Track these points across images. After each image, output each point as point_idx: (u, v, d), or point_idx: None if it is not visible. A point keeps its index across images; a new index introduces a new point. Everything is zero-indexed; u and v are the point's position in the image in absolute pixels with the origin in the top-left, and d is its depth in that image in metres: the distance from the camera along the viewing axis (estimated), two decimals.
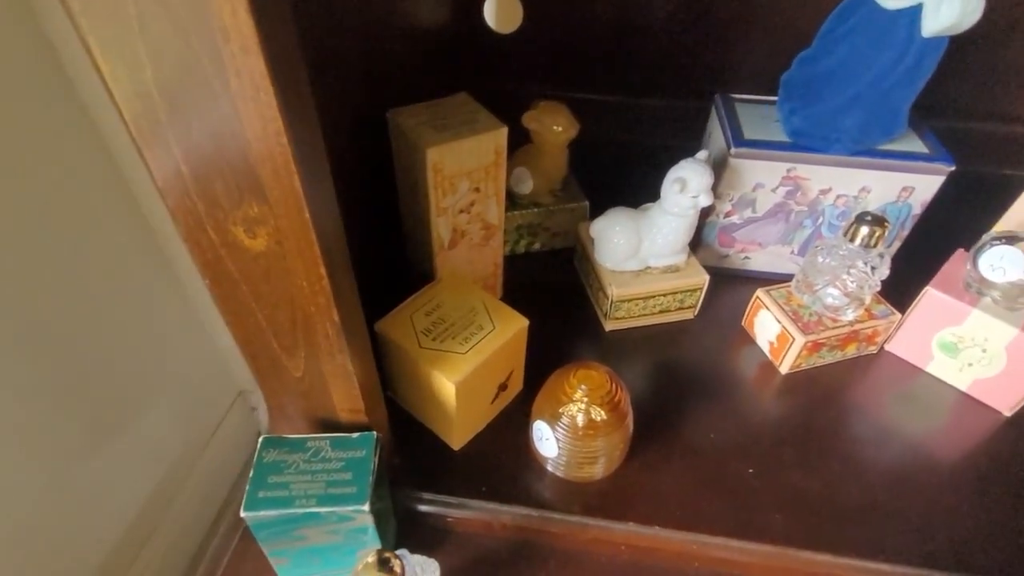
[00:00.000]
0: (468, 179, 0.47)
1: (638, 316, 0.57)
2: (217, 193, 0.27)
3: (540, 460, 0.46)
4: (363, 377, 0.36)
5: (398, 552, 0.32)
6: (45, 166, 0.39)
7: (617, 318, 0.56)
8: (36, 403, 0.39)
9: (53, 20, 0.37)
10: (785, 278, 0.57)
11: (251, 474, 0.35)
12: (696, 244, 0.59)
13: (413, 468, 0.46)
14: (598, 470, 0.45)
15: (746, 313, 0.58)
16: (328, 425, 0.39)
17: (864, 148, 0.53)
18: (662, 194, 0.53)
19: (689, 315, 0.59)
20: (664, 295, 0.56)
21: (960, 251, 0.55)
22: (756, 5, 0.65)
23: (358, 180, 0.50)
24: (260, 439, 0.37)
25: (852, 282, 0.50)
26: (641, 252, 0.55)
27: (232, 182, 0.26)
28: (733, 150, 0.54)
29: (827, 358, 0.54)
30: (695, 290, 0.57)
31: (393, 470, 0.44)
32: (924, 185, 0.54)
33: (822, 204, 0.56)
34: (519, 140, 0.57)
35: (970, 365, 0.51)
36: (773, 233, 0.59)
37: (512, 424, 0.49)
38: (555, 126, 0.57)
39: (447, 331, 0.45)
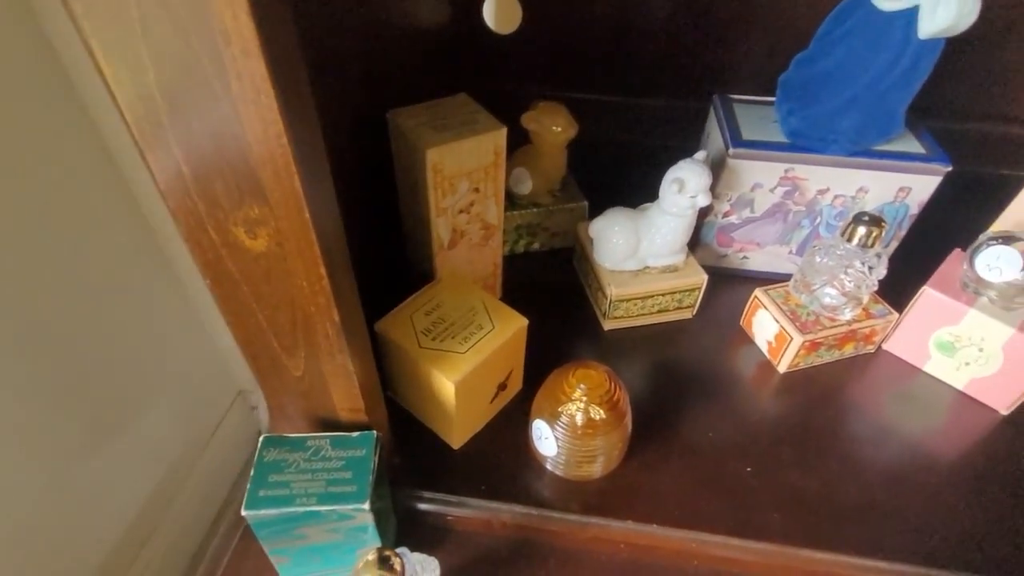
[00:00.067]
0: (468, 179, 0.48)
1: (637, 316, 0.57)
2: (218, 194, 0.27)
3: (539, 459, 0.47)
4: (363, 377, 0.37)
5: (398, 550, 0.32)
6: (45, 166, 0.39)
7: (616, 318, 0.57)
8: (36, 403, 0.39)
9: (53, 21, 0.37)
10: (783, 278, 0.57)
11: (252, 473, 0.36)
12: (694, 244, 0.59)
13: (413, 467, 0.46)
14: (597, 469, 0.45)
15: (744, 313, 0.58)
16: (328, 424, 0.39)
17: (861, 149, 0.53)
18: (660, 194, 0.53)
19: (687, 315, 0.59)
20: (663, 295, 0.56)
21: (957, 251, 0.55)
22: (755, 6, 0.66)
23: (358, 180, 0.50)
24: (261, 438, 0.37)
25: (850, 282, 0.50)
26: (640, 252, 0.55)
27: (233, 183, 0.26)
28: (731, 150, 0.54)
29: (825, 357, 0.55)
30: (693, 290, 0.57)
31: (393, 469, 0.44)
32: (921, 185, 0.54)
33: (820, 204, 0.57)
34: (518, 140, 0.58)
35: (967, 364, 0.52)
36: (771, 233, 0.60)
37: (511, 423, 0.49)
38: (554, 126, 0.58)
39: (447, 331, 0.45)
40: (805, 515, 0.44)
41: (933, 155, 0.53)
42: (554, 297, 0.60)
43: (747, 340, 0.57)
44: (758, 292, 0.56)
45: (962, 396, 0.53)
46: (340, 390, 0.37)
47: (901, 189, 0.54)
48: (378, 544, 0.37)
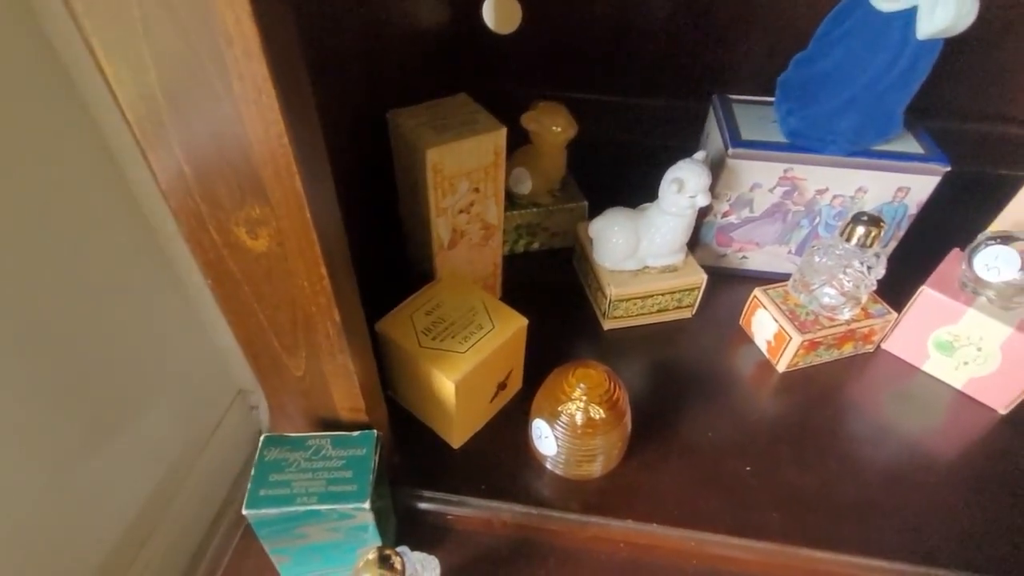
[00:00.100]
0: (468, 179, 0.48)
1: (636, 315, 0.57)
2: (219, 194, 0.27)
3: (539, 458, 0.47)
4: (363, 376, 0.37)
5: (399, 549, 0.33)
6: (45, 166, 0.39)
7: (615, 317, 0.57)
8: (36, 403, 0.39)
9: (53, 21, 0.37)
10: (782, 277, 0.57)
11: (253, 472, 0.36)
12: (694, 244, 0.59)
13: (413, 466, 0.46)
14: (597, 468, 0.45)
15: (743, 312, 0.58)
16: (329, 424, 0.39)
17: (860, 149, 0.53)
18: (660, 194, 0.53)
19: (687, 314, 0.59)
20: (662, 294, 0.56)
21: (955, 251, 0.55)
22: (754, 7, 0.66)
23: (358, 180, 0.50)
24: (262, 437, 0.37)
25: (848, 281, 0.50)
26: (639, 252, 0.55)
27: (234, 183, 0.27)
28: (731, 150, 0.54)
29: (824, 357, 0.55)
30: (693, 289, 0.57)
31: (393, 468, 0.44)
32: (920, 185, 0.54)
33: (819, 204, 0.57)
34: (518, 140, 0.58)
35: (965, 364, 0.52)
36: (770, 233, 0.60)
37: (511, 423, 0.49)
38: (554, 127, 0.58)
39: (447, 330, 0.45)
40: (804, 514, 0.44)
41: (931, 155, 0.53)
42: (554, 297, 0.60)
43: (746, 340, 0.58)
44: (757, 292, 0.56)
45: (960, 395, 0.53)
46: (341, 389, 0.37)
47: (900, 189, 0.55)
48: (378, 543, 0.37)
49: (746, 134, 0.55)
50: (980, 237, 0.50)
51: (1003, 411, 0.51)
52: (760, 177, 0.55)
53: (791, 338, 0.52)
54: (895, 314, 0.54)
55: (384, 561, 0.31)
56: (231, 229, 0.28)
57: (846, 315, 0.53)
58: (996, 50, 0.65)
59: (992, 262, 0.49)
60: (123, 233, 0.46)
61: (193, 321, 0.53)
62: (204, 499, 0.55)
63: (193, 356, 0.54)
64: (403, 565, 0.31)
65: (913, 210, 0.56)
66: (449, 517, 0.45)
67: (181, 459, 0.53)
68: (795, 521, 0.44)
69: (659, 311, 0.58)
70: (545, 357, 0.48)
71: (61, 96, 0.39)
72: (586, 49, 0.72)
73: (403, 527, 0.44)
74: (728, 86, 0.64)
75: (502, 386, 0.49)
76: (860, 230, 0.49)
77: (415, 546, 0.37)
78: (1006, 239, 0.48)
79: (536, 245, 0.66)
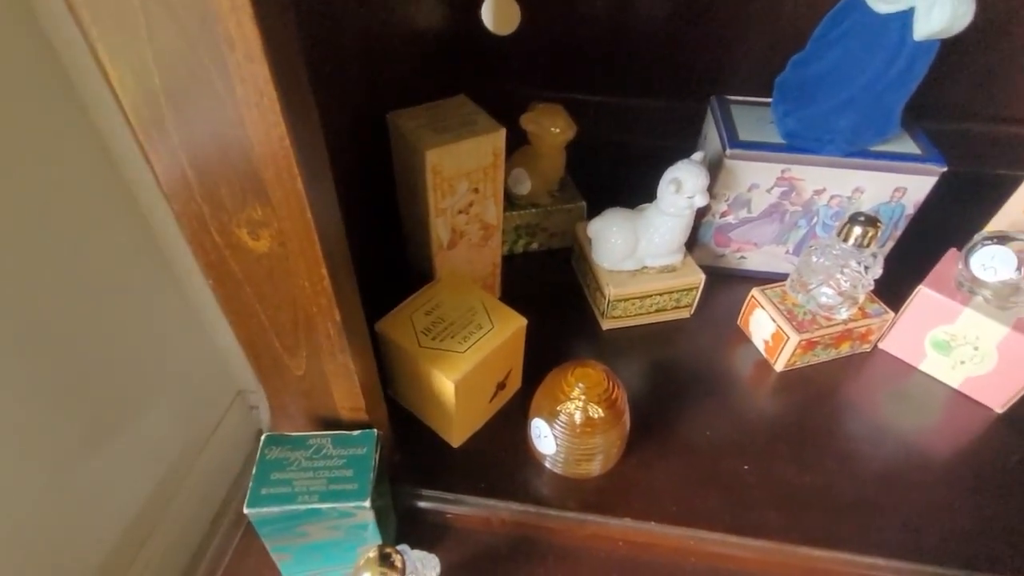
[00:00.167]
0: (467, 180, 0.48)
1: (635, 315, 0.58)
2: (221, 196, 0.27)
3: (538, 457, 0.47)
4: (364, 376, 0.37)
5: (399, 547, 0.33)
6: (45, 166, 0.39)
7: (614, 317, 0.57)
8: (36, 403, 0.40)
9: (53, 21, 0.37)
10: (780, 277, 0.57)
11: (254, 471, 0.36)
12: (692, 244, 0.59)
13: (413, 465, 0.46)
14: (595, 467, 0.46)
15: (741, 312, 0.58)
16: (329, 423, 0.40)
17: (857, 149, 0.53)
18: (658, 195, 0.53)
19: (685, 314, 0.59)
20: (660, 294, 0.56)
21: (952, 251, 0.55)
22: (752, 8, 0.66)
23: (358, 181, 0.50)
24: (263, 437, 0.37)
25: (846, 281, 0.51)
26: (638, 252, 0.55)
27: (236, 185, 0.27)
28: (728, 151, 0.54)
29: (821, 356, 0.55)
30: (691, 289, 0.57)
31: (393, 467, 0.44)
32: (917, 186, 0.54)
33: (816, 204, 0.57)
34: (517, 141, 0.58)
35: (962, 363, 0.52)
36: (768, 233, 0.60)
37: (511, 422, 0.49)
38: (553, 128, 0.58)
39: (446, 330, 0.45)
40: (801, 512, 0.44)
41: (929, 156, 0.53)
42: (553, 297, 0.60)
43: (744, 339, 0.58)
44: (755, 292, 0.56)
45: (957, 394, 0.53)
46: (341, 389, 0.37)
47: (897, 189, 0.55)
48: (379, 541, 0.37)
49: (744, 135, 0.56)
50: (977, 237, 0.50)
51: (999, 410, 0.52)
52: (758, 177, 0.56)
53: (789, 338, 0.52)
54: (892, 314, 0.54)
55: (385, 559, 0.31)
56: (233, 230, 0.29)
57: (843, 315, 0.53)
58: (992, 51, 0.65)
59: (989, 262, 0.49)
60: (123, 233, 0.46)
61: (193, 321, 0.54)
62: (204, 499, 0.55)
63: (193, 356, 0.54)
64: (403, 563, 0.32)
65: (910, 210, 0.56)
66: (449, 515, 0.45)
67: (181, 459, 0.53)
68: (793, 519, 0.44)
69: (657, 311, 0.58)
70: (544, 357, 0.48)
71: (60, 97, 0.40)
72: (585, 50, 0.72)
73: (403, 525, 0.44)
74: (726, 87, 0.64)
75: (501, 386, 0.49)
76: (857, 230, 0.49)
77: (415, 544, 0.37)
78: (1002, 239, 0.49)
79: (535, 245, 0.66)
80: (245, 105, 0.24)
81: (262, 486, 0.35)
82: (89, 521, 0.44)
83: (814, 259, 0.52)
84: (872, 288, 0.52)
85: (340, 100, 0.45)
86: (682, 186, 0.51)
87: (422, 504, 0.45)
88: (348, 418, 0.39)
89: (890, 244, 0.59)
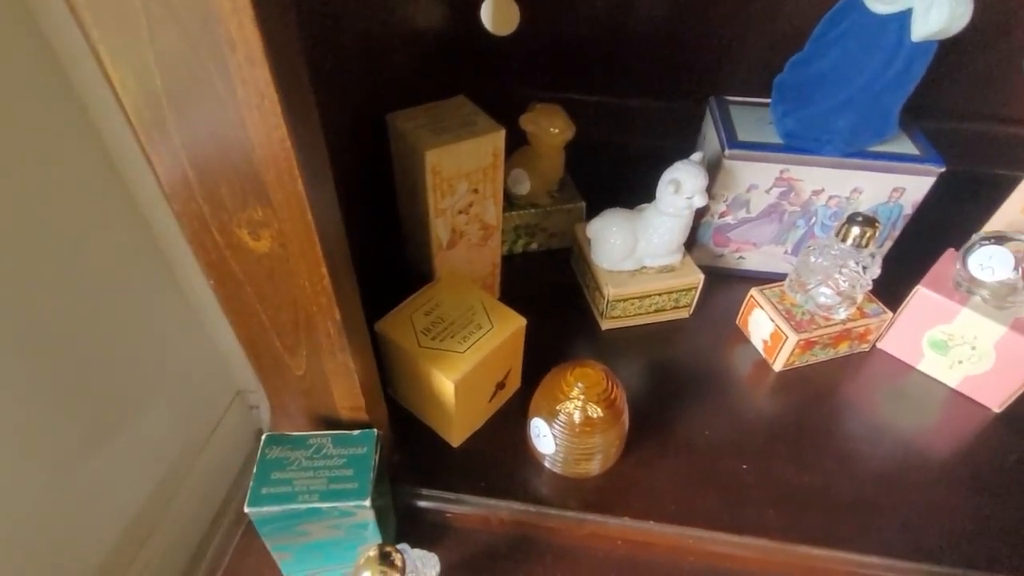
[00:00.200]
0: (466, 181, 0.48)
1: (634, 315, 0.58)
2: (222, 197, 0.27)
3: (537, 457, 0.47)
4: (364, 375, 0.37)
5: (399, 546, 0.33)
6: (45, 166, 0.39)
7: (613, 317, 0.57)
8: (36, 403, 0.40)
9: (52, 21, 0.37)
10: (779, 277, 0.58)
11: (255, 470, 0.36)
12: (691, 244, 0.59)
13: (413, 465, 0.46)
14: (594, 466, 0.46)
15: (740, 312, 0.58)
16: (329, 423, 0.40)
17: (856, 150, 0.54)
18: (657, 195, 0.54)
19: (684, 314, 0.59)
20: (660, 294, 0.57)
21: (950, 251, 0.56)
22: (751, 8, 0.66)
23: (358, 181, 0.50)
24: (263, 436, 0.38)
25: (844, 281, 0.51)
26: (637, 252, 0.56)
27: (237, 186, 0.27)
28: (727, 152, 0.54)
29: (820, 356, 0.55)
30: (690, 289, 0.57)
31: (393, 467, 0.44)
32: (915, 186, 0.54)
33: (815, 205, 0.57)
34: (517, 142, 0.58)
35: (960, 362, 0.52)
36: (767, 233, 0.60)
37: (510, 422, 0.49)
38: (552, 128, 0.58)
39: (446, 330, 0.45)
40: (800, 512, 0.44)
41: (927, 156, 0.54)
42: (552, 297, 0.61)
43: (743, 339, 0.58)
44: (754, 291, 0.56)
45: (955, 394, 0.53)
46: (341, 389, 0.37)
47: (895, 190, 0.55)
48: (379, 540, 0.37)
49: (743, 135, 0.56)
50: (974, 237, 0.51)
51: (997, 409, 0.52)
52: (756, 178, 0.56)
53: (787, 337, 0.52)
54: (890, 313, 0.54)
55: (385, 558, 0.31)
56: (233, 231, 0.29)
57: (842, 315, 0.53)
58: (990, 51, 0.65)
59: (986, 262, 0.49)
60: (123, 233, 0.46)
61: (193, 321, 0.54)
62: (204, 498, 0.56)
63: (193, 356, 0.55)
64: (403, 562, 0.32)
65: (908, 210, 0.56)
66: (448, 515, 0.45)
67: (181, 459, 0.53)
68: (791, 519, 0.44)
69: (656, 311, 0.58)
70: (543, 357, 0.48)
71: (60, 97, 0.40)
72: (584, 50, 0.72)
73: (403, 525, 0.45)
74: (725, 88, 0.64)
75: (501, 385, 0.49)
76: (855, 230, 0.49)
77: (415, 543, 0.38)
78: (1000, 239, 0.49)
79: (534, 246, 0.66)
80: (246, 107, 0.24)
81: (263, 485, 0.35)
82: (89, 521, 0.44)
83: (812, 259, 0.52)
84: (870, 288, 0.52)
85: (340, 100, 0.45)
86: (681, 186, 0.51)
87: (422, 503, 0.45)
88: (348, 418, 0.39)
89: (888, 244, 0.59)
